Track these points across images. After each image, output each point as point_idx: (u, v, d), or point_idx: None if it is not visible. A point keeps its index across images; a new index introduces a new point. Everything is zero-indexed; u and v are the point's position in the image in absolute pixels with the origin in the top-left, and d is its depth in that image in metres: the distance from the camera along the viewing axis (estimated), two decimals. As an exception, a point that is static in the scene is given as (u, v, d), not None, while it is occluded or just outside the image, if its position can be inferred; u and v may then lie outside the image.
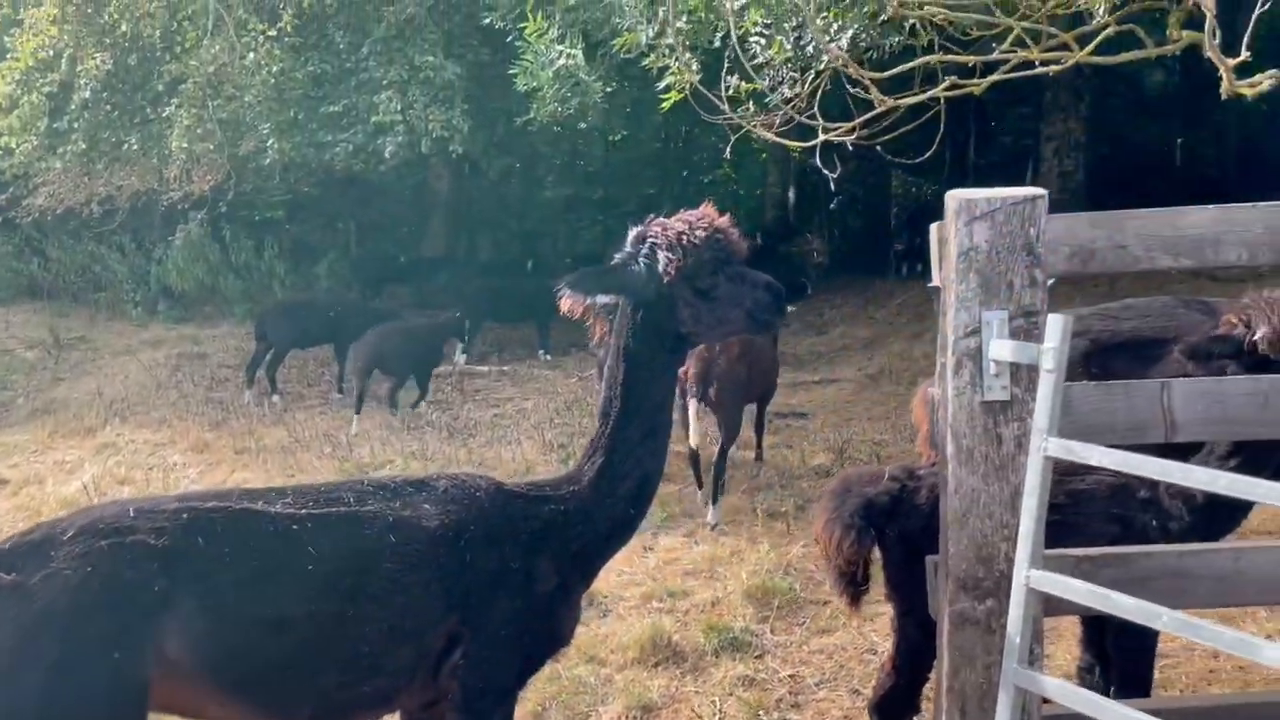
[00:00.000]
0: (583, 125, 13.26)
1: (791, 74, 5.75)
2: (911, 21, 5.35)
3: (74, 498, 7.76)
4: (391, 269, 16.74)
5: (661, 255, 2.83)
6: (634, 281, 2.86)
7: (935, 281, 2.80)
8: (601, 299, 2.92)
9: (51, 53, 12.38)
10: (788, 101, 5.73)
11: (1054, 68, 5.25)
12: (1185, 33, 4.96)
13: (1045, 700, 2.66)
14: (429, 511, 2.81)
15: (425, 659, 2.79)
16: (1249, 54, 4.31)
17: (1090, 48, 5.09)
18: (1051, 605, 2.61)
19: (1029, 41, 5.13)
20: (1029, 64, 5.18)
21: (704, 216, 2.92)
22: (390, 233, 19.94)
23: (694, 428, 7.08)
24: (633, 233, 2.95)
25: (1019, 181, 14.05)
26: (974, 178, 17.99)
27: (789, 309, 3.26)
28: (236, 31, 11.59)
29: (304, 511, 2.74)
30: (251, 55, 11.49)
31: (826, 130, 5.57)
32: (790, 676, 4.76)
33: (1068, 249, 2.67)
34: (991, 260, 2.62)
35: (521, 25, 6.81)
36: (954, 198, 2.67)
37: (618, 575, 5.85)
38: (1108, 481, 3.38)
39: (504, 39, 10.28)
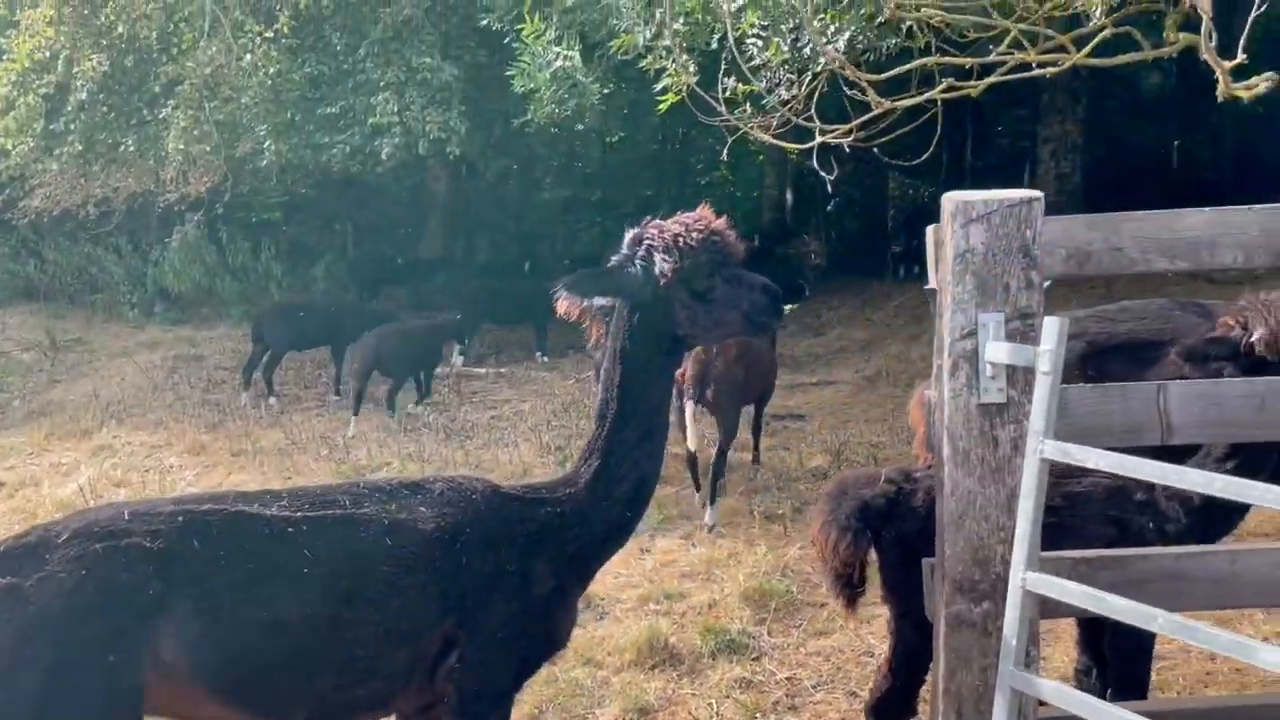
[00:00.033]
0: (580, 127, 13.29)
1: (789, 76, 5.75)
2: (908, 23, 5.36)
3: (70, 500, 7.75)
4: (389, 270, 16.74)
5: (658, 257, 2.82)
6: (631, 284, 2.86)
7: (932, 284, 2.80)
8: (598, 301, 2.92)
9: (48, 54, 12.38)
10: (785, 103, 5.73)
11: (1051, 70, 5.25)
12: (1182, 35, 4.96)
13: (1041, 703, 2.66)
14: (425, 514, 2.81)
15: (421, 662, 2.78)
16: (1245, 57, 4.31)
17: (1087, 50, 5.09)
18: (1048, 607, 2.61)
19: (1026, 44, 5.14)
20: (1026, 66, 5.18)
21: (700, 219, 2.91)
22: (387, 234, 19.95)
23: (691, 430, 7.08)
24: (629, 235, 2.95)
25: (1016, 183, 14.03)
26: (971, 180, 18.02)
27: (786, 311, 3.25)
28: (233, 33, 11.59)
29: (299, 514, 2.73)
30: (248, 57, 11.49)
31: (824, 132, 5.57)
32: (787, 679, 4.75)
33: (1064, 251, 2.67)
34: (988, 262, 2.62)
35: (519, 27, 6.80)
36: (950, 200, 2.67)
37: (615, 577, 5.84)
38: (1104, 484, 3.38)
39: (501, 40, 10.27)
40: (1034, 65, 5.17)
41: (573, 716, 4.51)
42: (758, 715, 4.45)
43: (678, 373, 3.72)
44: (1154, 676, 3.88)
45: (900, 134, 5.77)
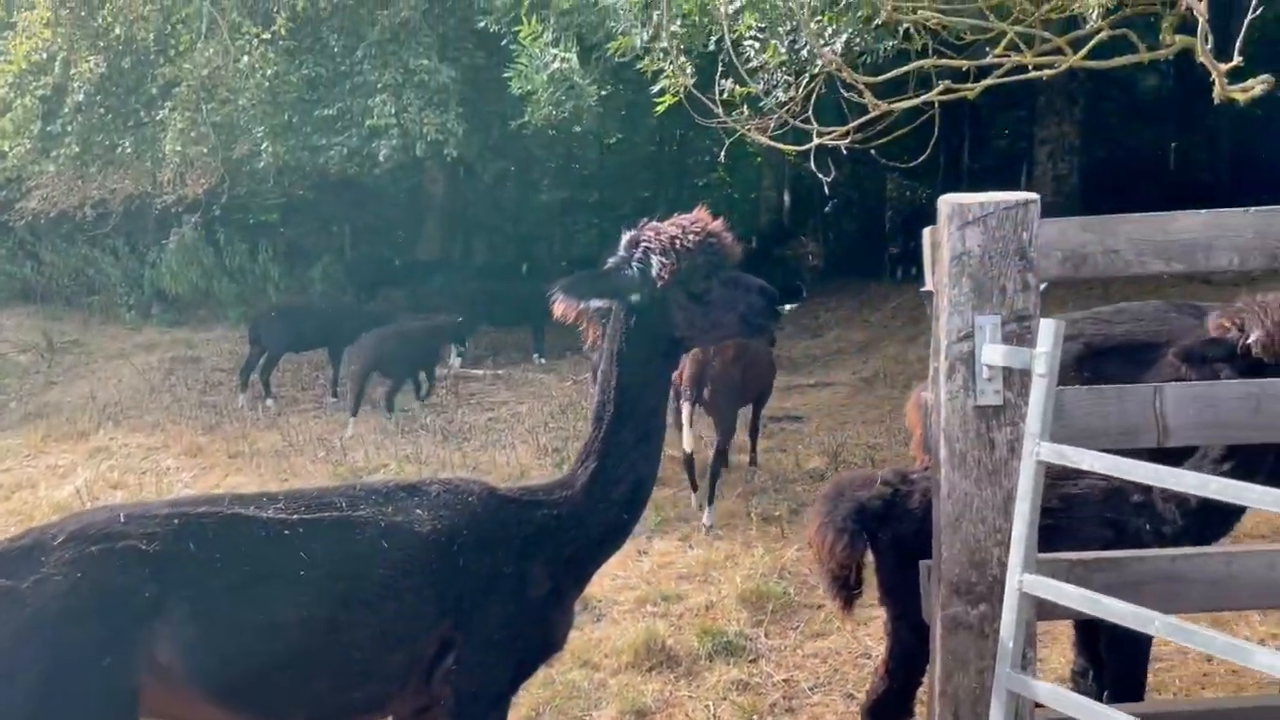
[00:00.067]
0: (577, 129, 13.29)
1: (786, 78, 5.75)
2: (905, 26, 5.37)
3: (66, 502, 7.73)
4: (386, 272, 16.74)
5: (655, 260, 2.82)
6: (627, 286, 2.86)
7: (928, 286, 2.81)
8: (595, 303, 2.91)
9: (45, 56, 12.37)
10: (782, 105, 5.74)
11: (1048, 72, 5.26)
12: (1178, 37, 4.98)
13: (1038, 705, 2.66)
14: (421, 517, 2.81)
15: (418, 664, 2.78)
16: (1241, 59, 4.32)
17: (1084, 52, 5.10)
18: (1044, 610, 2.61)
19: (1023, 46, 5.15)
20: (1023, 68, 5.19)
21: (697, 221, 2.91)
22: (385, 236, 19.96)
23: (686, 431, 7.08)
24: (626, 237, 2.95)
25: (1013, 185, 14.03)
26: (968, 181, 18.03)
27: (784, 312, 3.25)
28: (230, 35, 11.58)
29: (296, 517, 2.73)
30: (246, 59, 11.48)
31: (821, 134, 5.58)
32: (784, 681, 4.75)
33: (1060, 253, 2.68)
34: (984, 265, 2.63)
35: (516, 29, 6.81)
36: (946, 202, 2.67)
37: (612, 579, 5.84)
38: (1101, 486, 3.38)
39: (499, 42, 10.28)
40: (1031, 67, 5.18)
41: (569, 719, 4.51)
42: (755, 717, 4.44)
43: (675, 373, 3.71)
44: (1151, 678, 3.89)
45: (898, 136, 5.77)
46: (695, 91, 5.62)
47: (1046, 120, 14.87)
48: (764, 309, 2.93)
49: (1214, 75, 4.44)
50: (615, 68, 9.13)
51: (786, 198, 19.72)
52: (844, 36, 5.51)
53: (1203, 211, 2.71)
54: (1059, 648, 4.57)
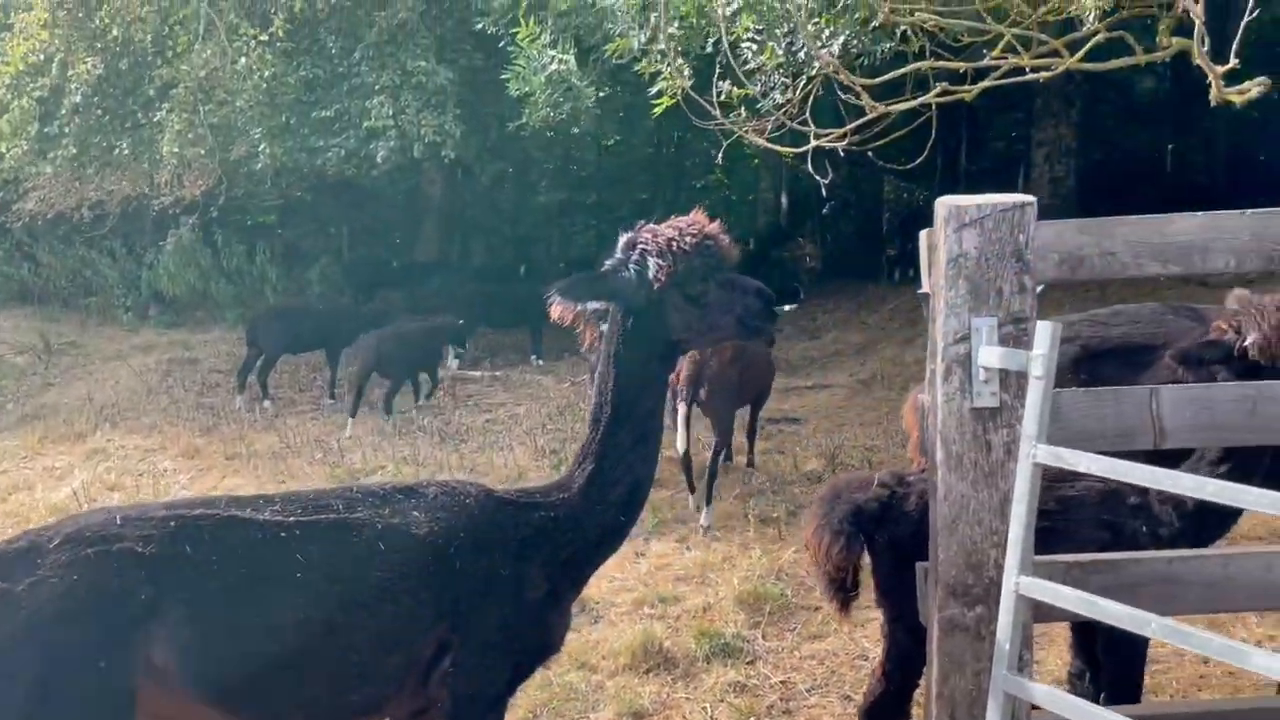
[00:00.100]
0: (575, 130, 13.26)
1: (783, 80, 5.75)
2: (903, 28, 5.37)
3: (63, 504, 7.73)
4: (384, 274, 16.74)
5: (652, 262, 2.82)
6: (625, 288, 2.85)
7: (925, 288, 2.81)
8: (592, 305, 2.92)
9: (42, 57, 12.37)
10: (779, 107, 5.74)
11: (1045, 74, 5.26)
12: (1175, 40, 4.98)
13: (1035, 707, 2.66)
14: (419, 519, 2.80)
15: (415, 667, 2.77)
16: (1238, 61, 4.33)
17: (1081, 54, 5.11)
18: (1041, 612, 2.62)
19: (1020, 48, 5.15)
20: (1020, 70, 5.20)
21: (694, 223, 2.91)
22: (383, 238, 19.96)
23: (683, 432, 7.08)
24: (623, 239, 2.95)
25: (1010, 187, 14.05)
26: (966, 183, 18.05)
27: (781, 314, 3.26)
28: (228, 36, 11.58)
29: (292, 519, 2.73)
30: (243, 60, 11.48)
31: (818, 136, 5.58)
32: (782, 683, 4.75)
33: (1057, 256, 2.68)
34: (981, 267, 2.63)
35: (514, 30, 6.82)
36: (943, 204, 2.67)
37: (609, 581, 5.84)
38: (1097, 488, 3.38)
39: (496, 44, 10.28)
40: (1028, 69, 5.18)
41: (567, 721, 4.51)
42: (752, 719, 4.44)
43: (672, 374, 3.71)
44: (1148, 680, 3.89)
45: (895, 138, 5.77)
46: (693, 93, 5.63)
47: (1043, 122, 14.89)
48: (761, 311, 2.93)
49: (1210, 77, 4.45)
50: (613, 69, 9.14)
51: (784, 200, 19.73)
52: (841, 38, 5.51)
53: (1199, 214, 2.71)
54: (1056, 650, 4.57)
